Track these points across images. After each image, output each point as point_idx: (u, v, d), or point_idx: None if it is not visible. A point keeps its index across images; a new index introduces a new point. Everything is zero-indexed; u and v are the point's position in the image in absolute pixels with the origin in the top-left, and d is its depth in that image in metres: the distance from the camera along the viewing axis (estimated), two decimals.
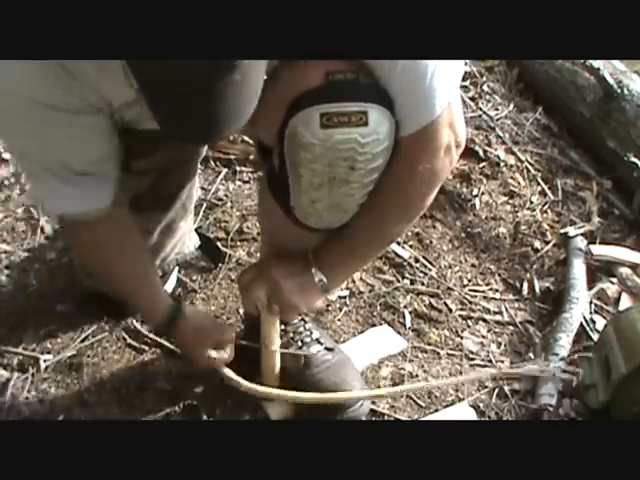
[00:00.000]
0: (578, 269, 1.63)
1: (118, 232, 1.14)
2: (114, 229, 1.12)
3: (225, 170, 1.80)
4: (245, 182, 1.78)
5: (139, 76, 0.76)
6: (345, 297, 1.52)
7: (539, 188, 1.90)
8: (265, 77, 0.82)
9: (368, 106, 0.93)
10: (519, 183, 1.90)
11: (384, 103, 0.94)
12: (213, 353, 1.19)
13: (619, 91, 1.98)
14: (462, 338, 1.49)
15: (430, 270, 1.62)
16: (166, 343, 1.37)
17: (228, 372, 1.22)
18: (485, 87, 2.21)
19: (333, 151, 0.95)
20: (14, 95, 0.93)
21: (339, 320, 1.48)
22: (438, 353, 1.45)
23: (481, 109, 2.09)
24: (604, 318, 1.54)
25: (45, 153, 1.01)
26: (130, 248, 1.17)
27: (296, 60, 0.94)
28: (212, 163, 1.81)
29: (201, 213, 1.64)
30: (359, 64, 0.93)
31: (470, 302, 1.57)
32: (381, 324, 1.48)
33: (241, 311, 1.43)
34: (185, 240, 1.41)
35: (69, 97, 0.95)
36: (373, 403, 1.32)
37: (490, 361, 1.45)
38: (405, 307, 1.52)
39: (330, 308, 1.49)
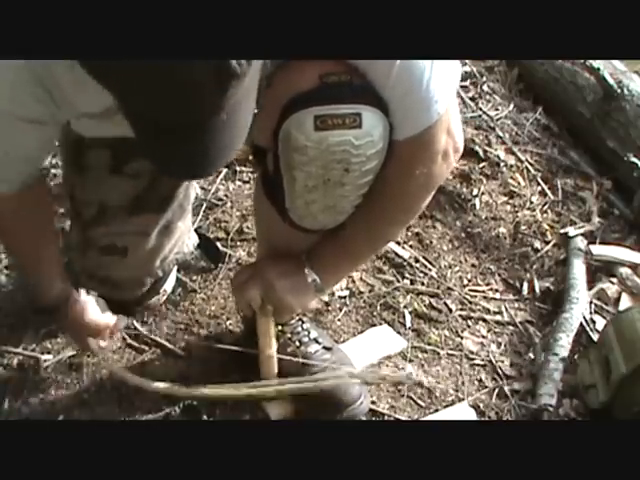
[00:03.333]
0: (578, 269, 1.63)
1: (30, 210, 1.12)
2: (27, 207, 1.10)
3: (225, 170, 1.79)
4: (245, 182, 1.78)
5: (124, 106, 0.75)
6: (345, 297, 1.52)
7: (539, 188, 1.90)
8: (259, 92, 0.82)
9: (362, 108, 0.93)
10: (519, 183, 1.90)
11: (378, 105, 0.94)
12: (90, 340, 1.22)
13: (619, 91, 1.98)
14: (462, 338, 1.49)
15: (430, 270, 1.62)
16: (166, 343, 1.37)
17: (109, 361, 1.26)
18: (485, 87, 2.21)
19: (327, 153, 0.95)
20: None
21: (339, 320, 1.48)
22: (438, 353, 1.45)
23: (481, 109, 2.09)
24: (604, 318, 1.54)
25: None
26: (38, 229, 1.16)
27: (290, 61, 0.94)
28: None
29: (201, 213, 1.64)
30: (353, 67, 0.93)
31: (470, 302, 1.57)
32: (381, 324, 1.48)
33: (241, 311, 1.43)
34: (184, 240, 1.41)
35: (35, 109, 0.94)
36: (373, 403, 1.32)
37: (490, 361, 1.45)
38: (405, 307, 1.52)
39: (330, 308, 1.49)
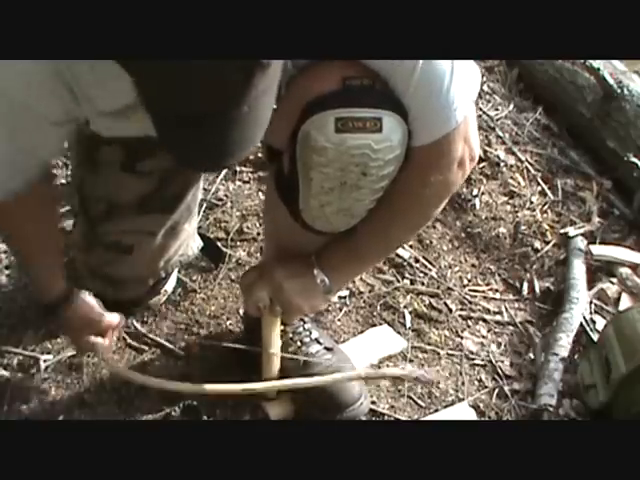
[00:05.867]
0: (578, 269, 1.63)
1: (33, 212, 1.11)
2: (31, 208, 1.10)
3: (225, 170, 1.79)
4: (245, 182, 1.78)
5: (146, 94, 0.75)
6: (345, 297, 1.52)
7: (539, 188, 1.91)
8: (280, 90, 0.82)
9: (383, 113, 0.93)
10: (519, 183, 1.90)
11: (398, 111, 0.95)
12: (92, 339, 1.20)
13: (619, 91, 1.98)
14: (462, 338, 1.49)
15: (430, 270, 1.62)
16: (166, 343, 1.37)
17: (111, 360, 1.24)
18: (485, 87, 2.21)
19: (346, 156, 0.95)
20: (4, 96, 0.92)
21: (339, 320, 1.48)
22: (438, 353, 1.45)
23: (481, 109, 2.09)
24: (604, 318, 1.54)
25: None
26: (43, 229, 1.16)
27: (312, 63, 0.94)
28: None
29: (201, 213, 1.64)
30: (375, 72, 0.93)
31: (470, 302, 1.57)
32: (381, 324, 1.48)
33: (241, 311, 1.43)
34: (189, 242, 1.41)
35: (56, 108, 0.94)
36: (373, 403, 1.32)
37: (490, 361, 1.45)
38: (405, 307, 1.52)
39: (330, 308, 1.49)
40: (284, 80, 0.82)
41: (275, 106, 0.81)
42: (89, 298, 1.21)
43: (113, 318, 1.22)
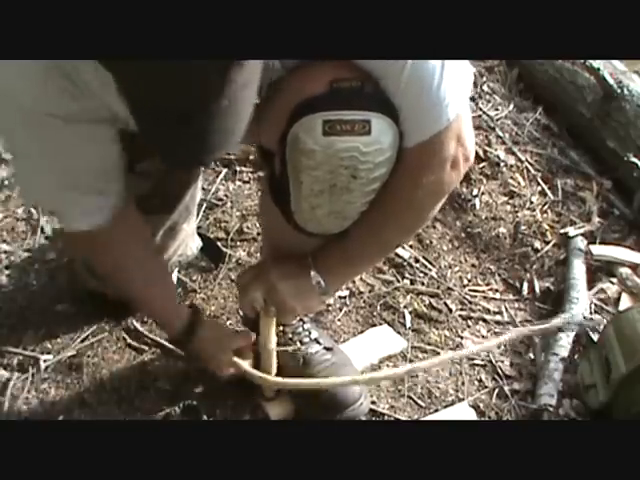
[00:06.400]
0: (578, 269, 1.63)
1: (125, 238, 1.13)
2: (121, 235, 1.11)
3: (225, 170, 1.80)
4: (245, 182, 1.78)
5: (126, 91, 0.75)
6: (345, 297, 1.52)
7: (539, 188, 1.91)
8: (267, 87, 0.81)
9: (372, 115, 0.93)
10: (519, 183, 1.90)
11: (388, 113, 0.94)
12: (236, 359, 1.21)
13: (619, 91, 1.98)
14: (462, 338, 1.49)
15: (430, 270, 1.62)
16: (166, 343, 1.37)
17: (254, 373, 1.22)
18: (485, 87, 2.21)
19: (335, 159, 0.95)
20: (14, 102, 0.92)
21: (339, 320, 1.48)
22: (438, 353, 1.45)
23: (481, 109, 2.09)
24: (604, 318, 1.54)
25: (46, 161, 1.00)
26: (139, 255, 1.17)
27: (301, 65, 0.94)
28: (212, 163, 1.81)
29: (201, 213, 1.64)
30: (364, 73, 0.93)
31: (470, 302, 1.57)
32: (381, 324, 1.48)
33: (241, 312, 1.43)
34: (188, 242, 1.41)
35: (72, 106, 0.94)
36: (373, 403, 1.32)
37: (490, 361, 1.45)
38: (405, 307, 1.52)
39: (330, 308, 1.49)
40: (267, 76, 0.81)
41: (257, 100, 0.80)
42: (213, 321, 1.20)
43: (245, 334, 1.23)
